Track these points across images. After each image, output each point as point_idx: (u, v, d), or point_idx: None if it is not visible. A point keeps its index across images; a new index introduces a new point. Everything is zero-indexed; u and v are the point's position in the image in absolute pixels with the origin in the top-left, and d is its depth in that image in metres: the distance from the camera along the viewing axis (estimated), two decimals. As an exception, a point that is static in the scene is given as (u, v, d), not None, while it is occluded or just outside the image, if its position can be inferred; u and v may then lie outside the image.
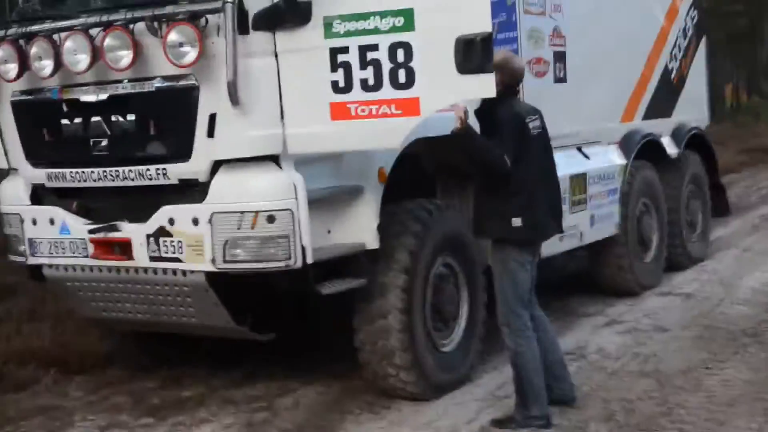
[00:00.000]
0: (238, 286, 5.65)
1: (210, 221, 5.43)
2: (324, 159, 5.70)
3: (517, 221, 5.44)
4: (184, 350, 7.07)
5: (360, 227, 5.85)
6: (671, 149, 9.72)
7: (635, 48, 9.23)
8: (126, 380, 6.85)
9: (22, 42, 5.74)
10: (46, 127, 5.93)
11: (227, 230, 5.40)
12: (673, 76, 9.95)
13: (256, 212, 5.34)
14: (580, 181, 8.01)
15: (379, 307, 5.93)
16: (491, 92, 4.97)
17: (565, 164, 7.85)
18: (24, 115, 6.04)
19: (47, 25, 5.68)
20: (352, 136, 5.27)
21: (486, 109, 5.46)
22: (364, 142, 5.35)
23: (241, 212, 5.36)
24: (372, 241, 5.84)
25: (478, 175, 5.62)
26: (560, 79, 7.93)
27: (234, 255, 5.41)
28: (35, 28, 5.74)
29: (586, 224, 8.11)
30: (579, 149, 8.26)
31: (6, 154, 6.22)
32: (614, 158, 8.71)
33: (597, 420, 5.59)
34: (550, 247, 7.47)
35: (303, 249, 5.37)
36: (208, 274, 5.53)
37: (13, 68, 5.77)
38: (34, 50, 5.66)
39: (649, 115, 9.41)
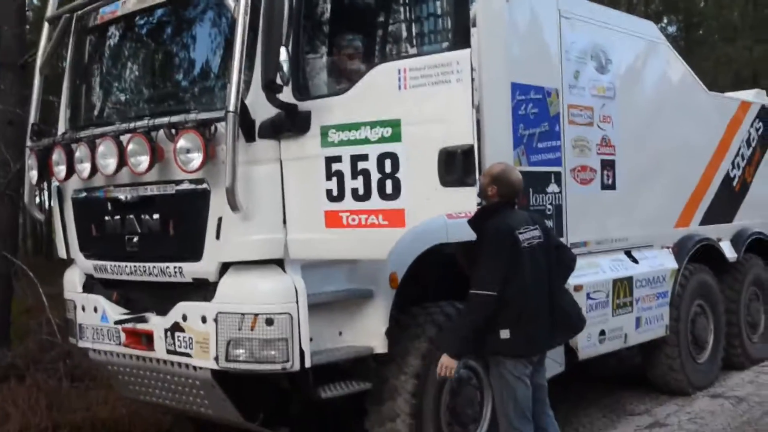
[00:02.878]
0: (245, 383, 4.74)
1: (215, 320, 4.56)
2: (339, 262, 4.75)
3: (505, 333, 4.40)
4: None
5: (369, 331, 4.84)
6: (730, 253, 8.20)
7: (692, 156, 7.81)
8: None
9: (72, 146, 5.13)
10: (94, 223, 5.26)
11: (230, 330, 4.52)
12: (735, 183, 8.45)
13: (256, 315, 4.44)
14: (624, 284, 6.67)
15: (388, 410, 4.89)
16: (472, 206, 3.98)
17: (610, 268, 6.67)
18: (79, 211, 5.41)
19: (88, 132, 5.05)
20: (343, 244, 4.35)
21: (480, 220, 4.40)
22: (353, 251, 4.40)
23: (242, 314, 4.47)
24: (380, 346, 4.82)
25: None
26: (608, 186, 6.67)
27: (235, 355, 4.52)
28: (79, 134, 5.13)
29: (630, 326, 6.72)
30: (627, 253, 6.92)
31: (67, 246, 5.59)
32: (666, 262, 7.26)
33: None
34: (590, 348, 6.30)
35: (302, 352, 4.43)
36: (214, 371, 4.65)
37: (63, 170, 5.17)
38: (77, 154, 5.04)
39: (707, 220, 7.94)
